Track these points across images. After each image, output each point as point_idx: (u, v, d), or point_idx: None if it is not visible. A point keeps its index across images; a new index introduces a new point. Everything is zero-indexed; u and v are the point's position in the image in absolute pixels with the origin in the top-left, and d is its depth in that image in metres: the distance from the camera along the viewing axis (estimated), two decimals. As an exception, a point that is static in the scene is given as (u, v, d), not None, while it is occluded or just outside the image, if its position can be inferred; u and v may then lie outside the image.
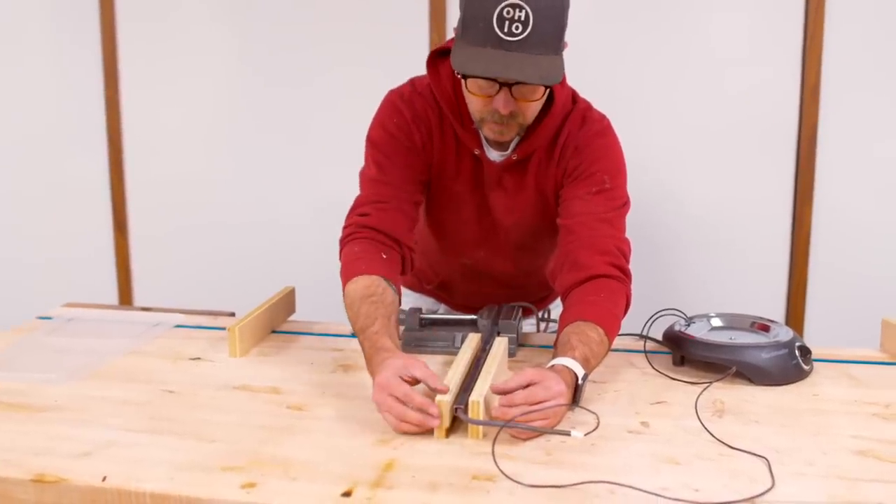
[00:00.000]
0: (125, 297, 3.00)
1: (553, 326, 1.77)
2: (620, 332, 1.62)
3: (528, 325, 1.75)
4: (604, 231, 1.57)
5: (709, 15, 2.50)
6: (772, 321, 1.56)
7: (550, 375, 1.28)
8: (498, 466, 1.10)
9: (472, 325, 1.62)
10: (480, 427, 1.20)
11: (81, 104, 2.92)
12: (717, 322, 1.59)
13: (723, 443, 1.19)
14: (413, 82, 1.69)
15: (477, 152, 1.63)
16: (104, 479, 1.08)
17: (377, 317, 1.45)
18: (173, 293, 2.84)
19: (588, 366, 1.36)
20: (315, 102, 2.75)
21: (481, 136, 1.61)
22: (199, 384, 1.44)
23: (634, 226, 2.59)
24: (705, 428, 1.24)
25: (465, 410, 1.20)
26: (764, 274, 2.60)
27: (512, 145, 1.61)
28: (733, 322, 1.59)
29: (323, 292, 2.70)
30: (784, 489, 1.05)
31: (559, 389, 1.26)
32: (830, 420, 1.28)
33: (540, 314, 1.75)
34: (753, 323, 1.56)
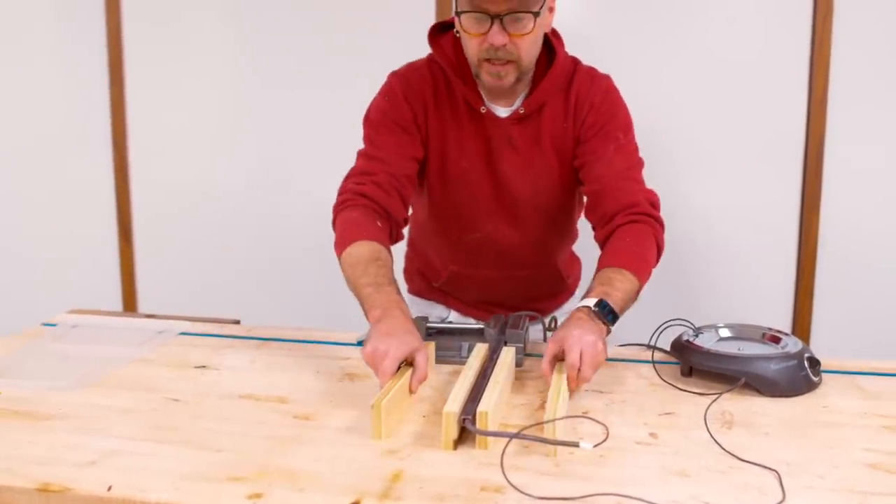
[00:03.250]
0: (129, 304, 2.99)
1: (560, 335, 1.77)
2: (629, 343, 1.64)
3: (535, 332, 1.74)
4: (629, 187, 1.67)
5: (716, 24, 2.50)
6: (780, 332, 1.55)
7: (570, 333, 1.37)
8: (506, 478, 1.09)
9: (479, 334, 1.61)
10: (489, 438, 1.19)
11: (86, 109, 2.93)
12: (725, 332, 1.58)
13: (732, 455, 1.18)
14: (411, 63, 1.78)
15: (483, 109, 1.69)
16: (109, 488, 1.08)
17: (390, 279, 1.53)
18: (178, 299, 2.83)
19: (609, 297, 1.46)
20: (322, 107, 2.75)
21: (483, 94, 1.69)
22: (205, 393, 1.44)
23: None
24: (714, 440, 1.23)
25: (473, 421, 1.19)
26: (771, 283, 2.59)
27: (518, 100, 1.69)
28: (742, 332, 1.58)
29: (330, 300, 2.70)
30: (795, 503, 1.04)
31: (589, 339, 1.35)
32: (841, 433, 1.27)
33: (547, 322, 1.74)
34: (762, 334, 1.55)
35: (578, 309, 1.45)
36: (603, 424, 1.28)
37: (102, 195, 2.97)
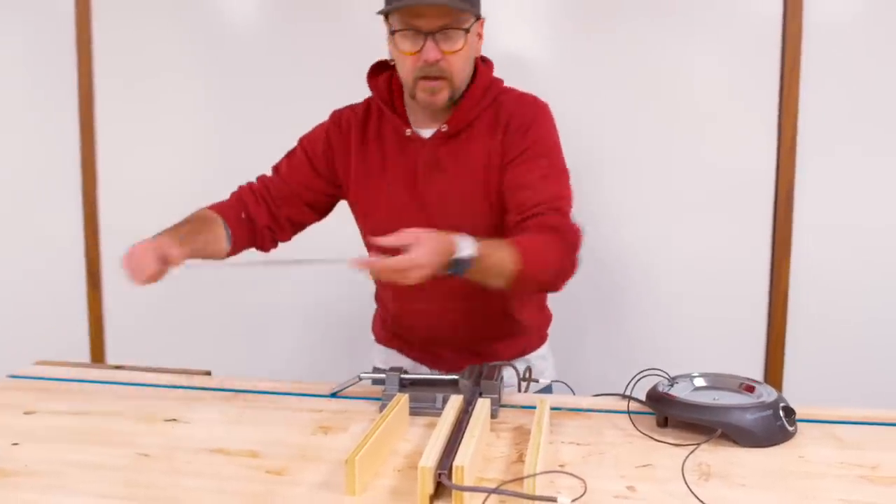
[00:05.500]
0: (97, 353, 2.95)
1: (535, 386, 1.76)
2: (604, 393, 1.63)
3: (509, 384, 1.73)
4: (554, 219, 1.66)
5: (687, 76, 2.53)
6: (755, 381, 1.55)
7: (425, 245, 1.39)
8: (484, 535, 1.07)
9: (454, 385, 1.60)
10: (465, 493, 1.18)
11: (56, 157, 2.90)
12: (700, 382, 1.57)
13: (711, 508, 1.17)
14: (353, 103, 1.89)
15: (409, 132, 1.75)
16: (77, 549, 1.05)
17: (185, 224, 1.78)
18: (147, 348, 2.79)
19: (480, 249, 1.47)
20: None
21: (412, 120, 1.77)
22: (175, 447, 1.41)
23: (616, 283, 2.61)
24: (692, 492, 1.22)
25: (450, 476, 1.18)
26: (743, 330, 2.60)
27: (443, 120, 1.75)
28: (716, 382, 1.57)
29: (301, 351, 2.68)
30: (775, 557, 1.04)
31: (423, 261, 1.39)
32: (817, 483, 1.26)
33: (522, 373, 1.73)
34: (738, 384, 1.55)
35: (453, 239, 1.47)
36: (580, 478, 1.26)
37: (71, 243, 2.94)
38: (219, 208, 1.87)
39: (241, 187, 1.92)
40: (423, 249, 1.38)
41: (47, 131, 2.90)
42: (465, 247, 1.46)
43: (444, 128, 1.72)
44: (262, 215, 1.86)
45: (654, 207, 2.57)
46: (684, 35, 2.52)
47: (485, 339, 1.88)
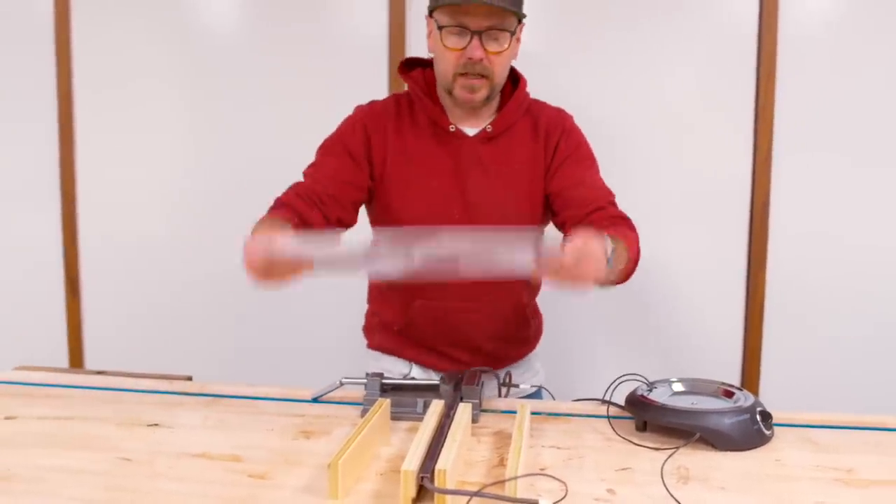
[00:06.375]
0: (76, 359, 2.94)
1: (515, 391, 1.77)
2: (583, 398, 1.64)
3: (490, 389, 1.74)
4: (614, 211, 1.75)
5: (664, 86, 2.56)
6: (732, 386, 1.57)
7: (594, 244, 1.36)
8: (466, 537, 1.08)
9: (434, 390, 1.61)
10: (448, 497, 1.19)
11: (35, 161, 2.89)
12: (678, 387, 1.59)
13: (689, 511, 1.19)
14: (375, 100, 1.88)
15: (452, 128, 1.77)
16: (61, 553, 1.05)
17: (276, 220, 1.60)
18: (126, 355, 2.79)
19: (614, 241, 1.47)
20: (271, 160, 2.74)
21: (450, 116, 1.78)
22: (157, 452, 1.41)
23: (594, 291, 2.62)
24: (671, 495, 1.23)
25: (432, 479, 1.19)
26: (720, 339, 2.62)
27: (485, 122, 1.79)
28: (694, 387, 1.59)
29: (282, 356, 2.68)
30: (753, 558, 1.05)
31: (602, 256, 1.37)
32: (794, 486, 1.28)
33: (502, 377, 1.74)
34: (715, 388, 1.57)
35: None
36: (561, 481, 1.28)
37: (50, 248, 2.93)
38: (281, 217, 1.66)
39: (286, 193, 1.74)
40: (597, 246, 1.36)
41: (26, 136, 2.89)
42: (607, 243, 1.44)
43: (489, 128, 1.77)
44: (318, 220, 1.71)
45: (630, 216, 2.59)
46: (661, 46, 2.55)
47: (497, 340, 1.89)
